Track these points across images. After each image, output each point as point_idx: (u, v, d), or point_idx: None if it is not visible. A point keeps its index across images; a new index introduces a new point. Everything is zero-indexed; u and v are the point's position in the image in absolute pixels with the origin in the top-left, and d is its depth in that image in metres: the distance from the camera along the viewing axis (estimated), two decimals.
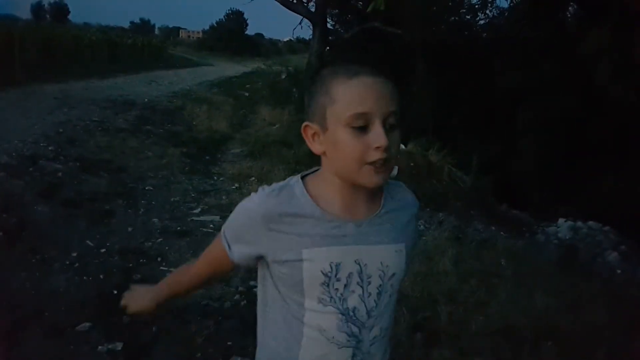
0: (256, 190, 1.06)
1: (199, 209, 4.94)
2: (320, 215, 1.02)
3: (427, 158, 7.29)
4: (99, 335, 2.70)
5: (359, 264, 1.02)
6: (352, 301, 1.02)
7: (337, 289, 1.01)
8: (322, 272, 1.00)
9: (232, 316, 3.04)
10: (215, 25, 54.33)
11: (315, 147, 1.03)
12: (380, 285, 1.04)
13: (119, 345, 2.64)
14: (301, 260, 1.00)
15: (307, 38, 22.01)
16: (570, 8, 13.76)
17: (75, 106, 9.19)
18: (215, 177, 6.24)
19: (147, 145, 7.20)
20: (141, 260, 3.70)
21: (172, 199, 5.17)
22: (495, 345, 2.93)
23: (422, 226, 5.26)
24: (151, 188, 5.42)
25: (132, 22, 72.35)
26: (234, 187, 5.76)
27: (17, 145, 5.95)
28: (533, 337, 3.02)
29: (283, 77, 16.06)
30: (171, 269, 3.58)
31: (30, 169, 5.21)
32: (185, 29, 79.12)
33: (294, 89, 13.18)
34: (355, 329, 1.04)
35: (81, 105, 9.34)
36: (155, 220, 4.53)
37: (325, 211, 1.02)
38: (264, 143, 8.11)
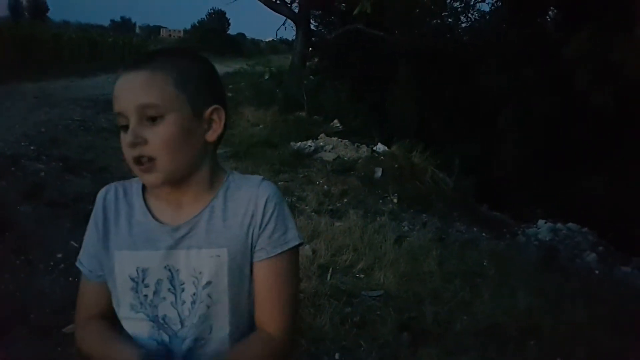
0: None
1: None
2: (143, 216, 0.98)
3: (411, 160, 7.35)
4: None
5: (169, 270, 0.95)
6: (163, 309, 0.96)
7: (146, 295, 0.96)
8: (129, 276, 0.96)
9: None
10: (197, 24, 54.13)
11: None
12: (194, 293, 0.95)
13: None
14: (114, 263, 0.97)
15: (290, 39, 22.04)
16: (550, 12, 13.99)
17: (56, 105, 9.08)
18: None
19: None
20: None
21: None
22: (480, 343, 2.99)
23: (406, 227, 5.31)
24: None
25: (112, 21, 71.73)
26: None
27: None
28: (516, 336, 3.08)
29: (266, 77, 16.02)
30: None
31: (12, 169, 5.14)
32: (167, 27, 78.59)
33: (278, 90, 13.16)
34: (165, 337, 0.97)
35: (62, 105, 9.24)
36: None
37: (147, 212, 0.98)
38: (248, 144, 8.10)
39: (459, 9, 16.64)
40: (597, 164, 10.25)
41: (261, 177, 1.03)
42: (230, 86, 17.80)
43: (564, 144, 10.83)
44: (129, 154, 0.92)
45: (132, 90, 0.91)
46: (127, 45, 26.81)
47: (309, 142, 8.30)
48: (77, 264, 1.04)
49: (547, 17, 14.27)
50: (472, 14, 16.66)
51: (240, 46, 55.49)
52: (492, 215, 7.50)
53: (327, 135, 8.86)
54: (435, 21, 17.14)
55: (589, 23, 9.49)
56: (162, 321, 0.97)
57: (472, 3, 16.29)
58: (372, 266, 3.92)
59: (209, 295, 0.95)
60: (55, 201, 4.58)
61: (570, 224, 6.57)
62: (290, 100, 11.66)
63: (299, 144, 8.18)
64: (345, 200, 5.88)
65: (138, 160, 0.91)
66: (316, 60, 19.91)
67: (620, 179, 9.39)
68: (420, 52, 14.25)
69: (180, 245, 0.95)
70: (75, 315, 1.05)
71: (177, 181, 0.95)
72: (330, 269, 3.75)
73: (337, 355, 2.79)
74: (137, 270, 0.96)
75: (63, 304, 2.99)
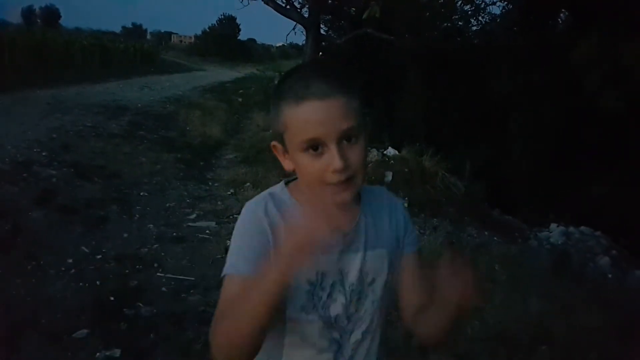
0: (252, 197, 1.07)
1: (195, 215, 4.95)
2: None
3: (421, 164, 7.32)
4: (97, 342, 2.70)
5: (341, 273, 1.04)
6: (335, 309, 1.04)
7: (320, 298, 1.03)
8: (307, 281, 1.01)
9: None
10: (207, 30, 54.36)
11: (287, 164, 1.03)
12: (360, 291, 1.05)
13: (117, 352, 2.64)
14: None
15: (300, 43, 22.10)
16: (561, 15, 13.90)
17: (68, 112, 9.17)
18: (210, 183, 6.25)
19: (140, 151, 7.20)
20: (137, 266, 3.71)
21: (167, 205, 5.18)
22: (491, 349, 2.96)
23: (417, 232, 5.28)
24: (146, 194, 5.42)
25: (124, 27, 72.26)
26: (229, 193, 5.77)
27: (10, 151, 5.93)
28: (528, 342, 3.05)
29: (276, 82, 16.07)
30: (167, 275, 3.60)
31: (24, 174, 5.20)
32: (177, 34, 79.06)
33: None
34: (336, 335, 1.05)
35: (74, 111, 9.32)
36: (151, 226, 4.53)
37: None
38: (258, 149, 8.11)
39: (469, 12, 16.57)
40: (609, 167, 10.15)
41: (379, 186, 1.17)
42: (241, 91, 17.91)
43: (575, 148, 10.74)
44: (328, 177, 0.95)
45: (334, 117, 0.93)
46: (139, 52, 27.03)
47: None
48: (231, 272, 0.98)
49: (559, 20, 14.17)
50: (482, 17, 16.58)
51: (250, 51, 55.72)
52: (504, 219, 7.45)
53: None
54: (445, 24, 17.09)
55: (599, 27, 9.42)
56: (333, 320, 1.04)
57: (482, 6, 16.21)
58: None
59: (372, 292, 1.07)
60: (66, 207, 4.62)
61: (582, 228, 6.51)
62: None
63: None
64: None
65: (337, 183, 0.95)
66: None
67: (632, 182, 9.28)
68: (430, 56, 14.21)
69: (349, 250, 1.04)
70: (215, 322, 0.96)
71: None
72: None
73: None
74: (316, 274, 1.02)
75: (74, 309, 3.01)
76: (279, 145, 1.02)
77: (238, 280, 0.98)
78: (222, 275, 1.00)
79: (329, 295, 1.03)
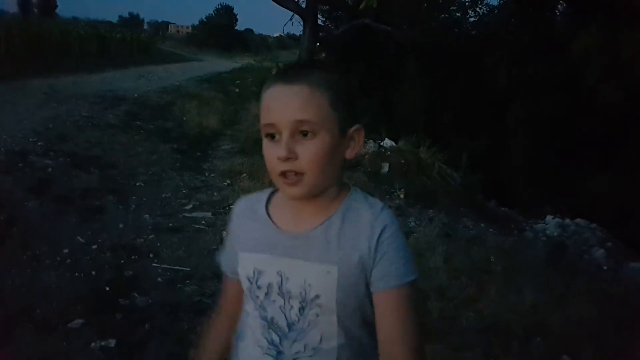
0: (248, 188, 1.13)
1: (191, 205, 4.94)
2: (264, 222, 1.03)
3: (418, 155, 7.32)
4: (92, 332, 2.70)
5: (280, 276, 0.99)
6: (272, 311, 1.01)
7: (257, 296, 1.02)
8: (246, 276, 1.03)
9: None
10: (204, 20, 54.09)
11: None
12: (302, 301, 0.98)
13: (112, 342, 2.64)
14: (237, 263, 1.06)
15: (298, 34, 21.99)
16: (559, 6, 13.86)
17: (64, 101, 9.11)
18: (206, 174, 6.23)
19: (137, 141, 7.17)
20: (133, 257, 3.70)
21: (163, 195, 5.16)
22: (486, 340, 2.97)
23: (412, 223, 5.29)
24: (142, 184, 5.41)
25: (120, 17, 71.66)
26: (225, 184, 5.76)
27: (6, 140, 5.90)
28: (522, 333, 3.06)
29: (274, 73, 15.99)
30: (163, 266, 3.59)
31: (20, 164, 5.17)
32: (175, 23, 78.59)
33: None
34: (275, 338, 1.00)
35: (70, 101, 9.26)
36: (147, 216, 4.52)
37: (270, 219, 1.03)
38: (255, 139, 8.08)
39: (467, 4, 16.52)
40: (606, 160, 10.17)
41: (382, 203, 1.03)
42: (238, 81, 17.83)
43: (573, 140, 10.75)
44: (276, 166, 0.94)
45: (290, 105, 0.92)
46: (135, 42, 26.83)
47: None
48: (218, 263, 1.16)
49: (557, 12, 14.14)
50: (480, 9, 16.54)
51: (247, 42, 55.47)
52: (500, 211, 7.47)
53: None
54: (443, 15, 17.04)
55: (598, 18, 9.39)
56: (270, 321, 1.01)
57: None
58: None
59: (318, 306, 0.97)
60: (62, 197, 4.61)
61: (578, 220, 6.53)
62: None
63: None
64: None
65: (284, 174, 0.94)
66: (324, 55, 19.85)
67: (629, 175, 9.30)
68: (428, 47, 14.17)
69: (294, 254, 0.98)
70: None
71: (314, 195, 0.97)
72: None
73: None
74: (253, 271, 1.02)
75: (69, 299, 3.01)
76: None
77: (225, 278, 1.15)
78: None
79: (266, 295, 1.01)
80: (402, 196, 6.13)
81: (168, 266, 3.60)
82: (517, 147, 11.80)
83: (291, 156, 0.91)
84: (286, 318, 0.99)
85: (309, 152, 0.92)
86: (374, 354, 0.96)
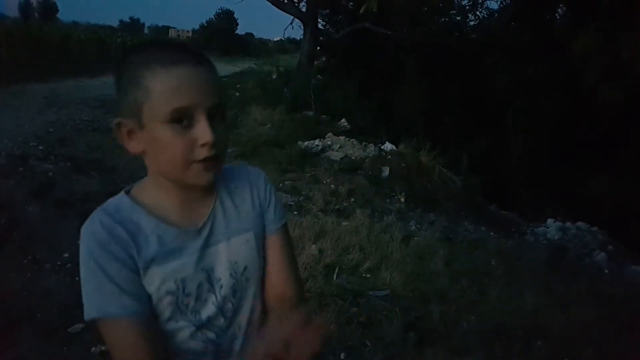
0: None
1: None
2: (156, 228, 0.91)
3: (418, 158, 7.32)
4: (92, 337, 2.69)
5: (205, 271, 0.94)
6: (207, 311, 0.95)
7: (187, 305, 0.92)
8: (167, 291, 0.90)
9: None
10: (205, 24, 54.28)
11: (133, 146, 0.91)
12: (234, 283, 0.97)
13: None
14: (144, 284, 0.89)
15: (298, 38, 22.05)
16: (559, 9, 13.89)
17: (65, 105, 9.15)
18: None
19: None
20: None
21: None
22: (487, 343, 2.96)
23: (413, 226, 5.29)
24: None
25: (121, 21, 71.97)
26: None
27: (6, 144, 5.91)
28: (524, 336, 3.06)
29: (274, 77, 16.04)
30: None
31: (21, 168, 5.18)
32: (175, 28, 78.81)
33: (285, 89, 13.16)
34: (211, 335, 0.96)
35: (71, 105, 9.30)
36: None
37: (160, 222, 0.92)
38: (255, 143, 8.10)
39: (467, 7, 16.56)
40: (606, 162, 10.16)
41: (242, 162, 1.04)
42: (238, 85, 17.85)
43: (573, 142, 10.75)
44: (193, 154, 0.86)
45: (207, 87, 0.87)
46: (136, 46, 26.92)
47: (316, 142, 8.29)
48: (101, 316, 0.87)
49: (556, 14, 14.16)
50: (480, 12, 16.57)
51: (248, 46, 55.62)
52: (501, 214, 7.45)
53: (335, 134, 8.84)
54: (443, 19, 17.07)
55: (597, 19, 9.40)
56: (205, 322, 0.95)
57: (480, 1, 16.19)
58: (378, 266, 3.90)
59: (247, 279, 0.99)
60: (63, 201, 4.61)
61: (579, 223, 6.51)
62: (297, 99, 11.65)
63: (306, 143, 8.17)
64: (352, 199, 5.86)
65: (205, 160, 0.87)
66: (324, 59, 19.89)
67: (630, 177, 9.30)
68: (428, 51, 14.19)
69: (210, 243, 0.95)
70: None
71: None
72: (337, 269, 3.74)
73: (342, 355, 2.78)
74: (175, 282, 0.90)
75: (69, 303, 3.00)
76: (127, 122, 0.88)
77: (120, 325, 0.87)
78: (86, 319, 0.88)
79: (197, 298, 0.93)
80: (402, 200, 6.13)
81: None
82: (518, 150, 11.80)
83: (216, 140, 0.86)
84: (222, 311, 0.96)
85: (223, 135, 0.89)
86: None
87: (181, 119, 0.85)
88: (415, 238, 4.70)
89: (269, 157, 7.27)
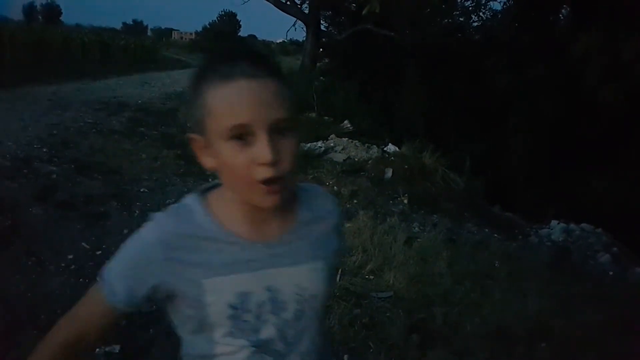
0: None
1: None
2: (224, 238, 0.89)
3: (421, 160, 7.32)
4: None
5: (270, 291, 0.91)
6: (266, 332, 0.92)
7: (247, 321, 0.90)
8: (229, 304, 0.89)
9: None
10: (208, 26, 54.36)
11: (205, 162, 0.89)
12: (298, 310, 0.93)
13: (116, 348, 2.64)
14: (203, 292, 0.88)
15: (301, 40, 22.06)
16: (563, 10, 13.87)
17: (68, 108, 9.16)
18: (209, 179, 6.21)
19: (141, 147, 7.18)
20: None
21: (167, 201, 5.16)
22: (490, 346, 2.96)
23: (416, 228, 5.29)
24: (146, 190, 5.41)
25: (124, 23, 72.14)
26: None
27: (10, 147, 5.93)
28: (527, 338, 3.05)
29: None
30: None
31: (25, 171, 5.19)
32: (178, 30, 79.01)
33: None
34: (269, 359, 0.93)
35: (74, 107, 9.31)
36: None
37: (230, 232, 0.90)
38: None
39: (470, 8, 16.55)
40: (610, 163, 10.13)
41: (317, 186, 1.05)
42: None
43: (573, 143, 10.72)
44: (254, 173, 0.82)
45: (267, 102, 0.81)
46: (139, 48, 27.00)
47: (319, 143, 8.29)
48: (102, 280, 0.92)
49: (560, 15, 14.14)
50: (483, 13, 16.56)
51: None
52: (504, 215, 7.44)
53: (338, 136, 8.84)
54: (446, 20, 17.06)
55: (599, 21, 9.40)
56: (264, 344, 0.92)
57: (483, 2, 16.18)
58: (381, 267, 3.90)
59: (312, 308, 0.95)
60: (66, 203, 4.62)
61: (583, 225, 6.49)
62: (300, 101, 11.67)
63: (309, 144, 8.17)
64: (355, 201, 5.86)
65: (266, 181, 0.82)
66: (326, 60, 19.90)
67: (633, 178, 9.27)
68: (431, 52, 14.19)
69: (278, 263, 0.92)
70: (60, 320, 0.95)
71: None
72: (340, 270, 3.73)
73: (345, 357, 2.78)
74: (237, 296, 0.89)
75: (73, 304, 3.00)
76: (198, 138, 0.87)
77: (99, 296, 0.92)
78: (100, 273, 0.92)
79: (257, 317, 0.90)
80: (405, 201, 6.12)
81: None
82: (521, 152, 11.77)
83: (277, 159, 0.81)
84: (282, 334, 0.93)
85: (288, 152, 0.83)
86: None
87: (242, 135, 0.81)
88: (418, 240, 4.70)
89: None
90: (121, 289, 0.90)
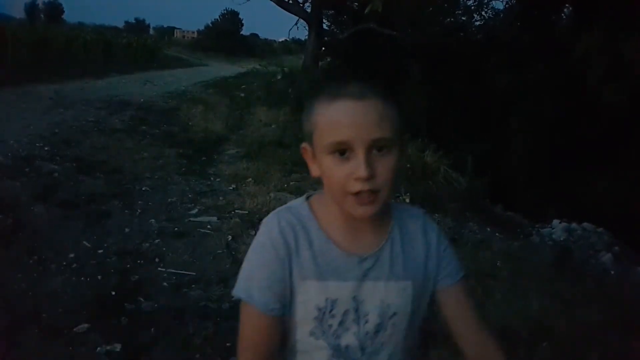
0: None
1: (196, 210, 4.94)
2: (325, 244, 0.97)
3: (423, 159, 7.31)
4: (98, 337, 2.70)
5: (356, 301, 0.97)
6: (346, 338, 0.98)
7: (330, 325, 0.97)
8: (316, 306, 0.96)
9: (230, 317, 3.03)
10: (210, 25, 54.30)
11: (313, 170, 0.98)
12: (379, 323, 0.98)
13: (117, 347, 2.64)
14: (295, 293, 0.96)
15: (303, 38, 22.05)
16: (565, 10, 13.85)
17: (70, 106, 9.18)
18: (211, 178, 6.24)
19: (142, 146, 7.20)
20: (139, 261, 3.70)
21: (168, 200, 5.17)
22: None
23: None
24: (148, 189, 5.42)
25: (126, 22, 72.05)
26: (230, 188, 5.76)
27: (12, 145, 5.94)
28: (529, 338, 3.04)
29: (279, 77, 16.05)
30: (169, 270, 3.60)
31: (26, 169, 5.21)
32: (180, 29, 78.87)
33: (290, 90, 13.18)
34: None
35: (76, 106, 9.33)
36: (152, 221, 4.53)
37: (329, 240, 0.97)
38: (260, 144, 8.11)
39: (472, 7, 16.52)
40: (612, 162, 10.11)
41: (417, 207, 1.10)
42: (243, 86, 17.89)
43: (575, 143, 10.70)
44: (350, 185, 0.89)
45: (367, 122, 0.88)
46: (141, 47, 26.99)
47: None
48: (244, 298, 0.96)
49: (562, 15, 14.11)
50: (485, 12, 16.52)
51: (253, 46, 55.59)
52: (506, 215, 7.43)
53: None
54: (448, 19, 17.04)
55: (601, 21, 9.38)
56: (343, 350, 0.98)
57: (485, 1, 16.15)
58: None
59: (393, 324, 0.99)
60: (68, 201, 4.63)
61: (585, 224, 6.48)
62: (302, 100, 11.66)
63: None
64: None
65: (358, 193, 0.89)
66: (328, 59, 19.88)
67: (633, 177, 9.25)
68: (432, 51, 14.17)
69: (368, 277, 0.97)
70: (239, 354, 0.99)
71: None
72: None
73: None
74: (325, 301, 0.96)
75: (75, 303, 3.01)
76: (308, 148, 0.97)
77: (255, 313, 0.95)
78: (233, 294, 0.97)
79: (341, 323, 0.97)
80: (407, 200, 6.11)
81: (174, 270, 3.60)
82: (523, 151, 11.75)
83: (372, 175, 0.88)
84: (360, 343, 0.99)
85: (385, 169, 0.90)
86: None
87: (342, 151, 0.89)
88: None
89: (274, 158, 7.27)
90: (271, 299, 0.95)
